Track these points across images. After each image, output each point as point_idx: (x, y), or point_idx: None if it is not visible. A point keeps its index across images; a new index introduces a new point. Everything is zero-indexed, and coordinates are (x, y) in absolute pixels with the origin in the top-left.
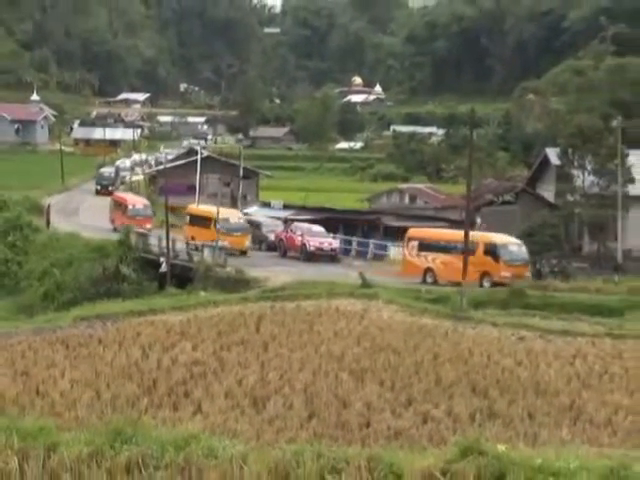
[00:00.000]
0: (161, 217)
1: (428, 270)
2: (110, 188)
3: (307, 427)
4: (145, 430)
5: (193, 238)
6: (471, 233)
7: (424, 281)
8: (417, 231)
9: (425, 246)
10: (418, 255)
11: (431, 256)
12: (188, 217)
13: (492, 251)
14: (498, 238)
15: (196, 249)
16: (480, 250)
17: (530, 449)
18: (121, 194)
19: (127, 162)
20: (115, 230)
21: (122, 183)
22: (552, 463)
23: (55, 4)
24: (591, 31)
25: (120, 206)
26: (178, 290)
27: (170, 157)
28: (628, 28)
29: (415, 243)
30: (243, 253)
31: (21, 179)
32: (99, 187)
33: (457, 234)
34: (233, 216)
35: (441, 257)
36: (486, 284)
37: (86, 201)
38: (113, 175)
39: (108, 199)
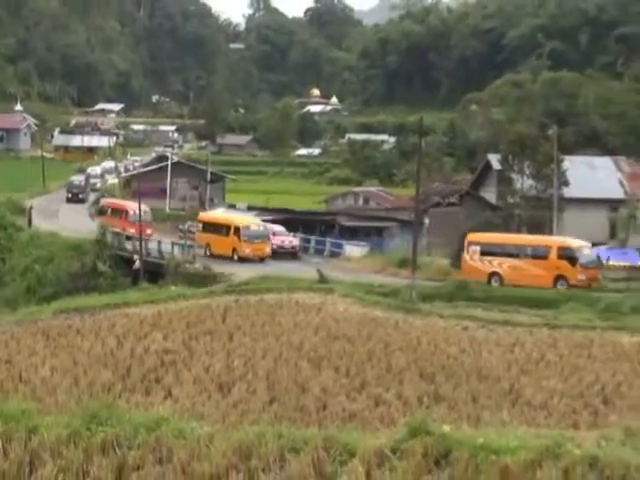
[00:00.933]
0: None
1: (493, 274)
2: (80, 196)
3: (269, 410)
4: (119, 413)
5: (208, 245)
6: (543, 237)
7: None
8: (478, 235)
9: (489, 250)
10: (481, 260)
11: (497, 260)
12: (201, 224)
13: (568, 255)
14: (573, 242)
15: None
16: (554, 254)
17: (473, 429)
18: (119, 200)
19: (97, 169)
20: None
21: (93, 190)
22: (493, 442)
23: (37, 22)
24: (529, 48)
25: (120, 212)
26: (150, 285)
27: (137, 164)
28: (562, 45)
29: (477, 248)
30: (262, 260)
31: (5, 183)
32: (70, 195)
33: (525, 238)
34: (253, 223)
35: (508, 261)
36: (560, 287)
37: (65, 203)
38: (83, 183)
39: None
